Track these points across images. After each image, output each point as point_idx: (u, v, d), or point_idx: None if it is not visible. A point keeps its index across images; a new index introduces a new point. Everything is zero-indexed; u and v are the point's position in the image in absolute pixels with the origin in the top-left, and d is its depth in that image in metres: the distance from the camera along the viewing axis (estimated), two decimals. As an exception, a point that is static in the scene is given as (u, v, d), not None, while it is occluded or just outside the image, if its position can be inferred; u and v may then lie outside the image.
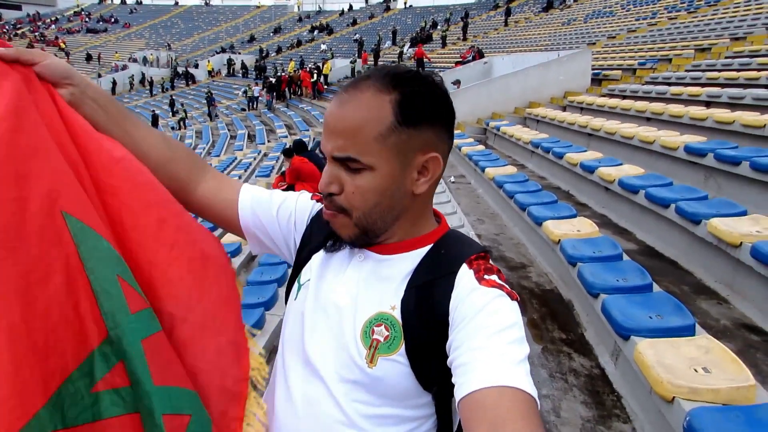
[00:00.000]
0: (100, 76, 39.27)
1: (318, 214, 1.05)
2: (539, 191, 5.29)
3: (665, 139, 5.64)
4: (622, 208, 5.02)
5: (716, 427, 1.79)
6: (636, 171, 5.08)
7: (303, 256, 1.03)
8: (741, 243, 3.15)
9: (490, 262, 0.90)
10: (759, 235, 3.16)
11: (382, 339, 0.84)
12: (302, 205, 1.07)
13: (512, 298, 0.82)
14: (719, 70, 8.81)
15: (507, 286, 0.84)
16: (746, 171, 4.34)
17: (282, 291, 4.64)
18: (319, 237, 1.02)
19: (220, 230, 7.89)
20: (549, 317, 3.65)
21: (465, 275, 0.85)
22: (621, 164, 5.42)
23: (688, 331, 2.46)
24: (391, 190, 0.85)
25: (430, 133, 0.85)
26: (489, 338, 0.76)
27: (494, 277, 0.84)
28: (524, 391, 0.70)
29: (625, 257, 3.50)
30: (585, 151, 6.46)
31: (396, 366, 0.83)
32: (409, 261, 0.89)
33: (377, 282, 0.89)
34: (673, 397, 2.03)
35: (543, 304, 3.85)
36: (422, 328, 0.83)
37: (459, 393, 0.73)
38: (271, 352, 3.83)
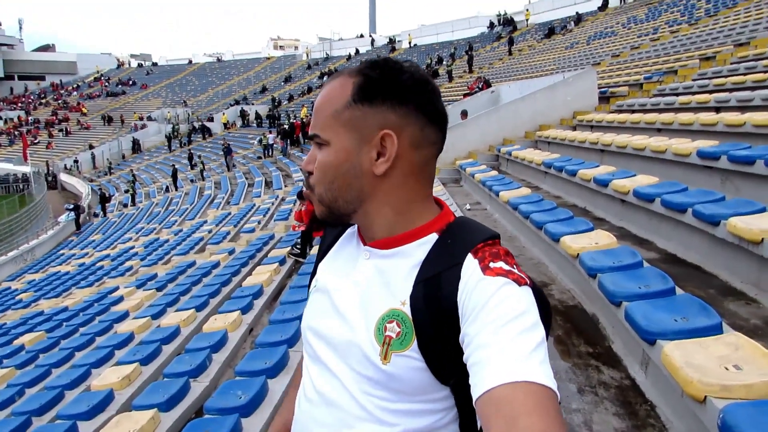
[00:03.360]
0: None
1: (326, 231, 1.11)
2: (554, 209, 5.26)
3: (677, 147, 5.61)
4: (640, 219, 4.96)
5: (752, 421, 1.72)
6: (650, 180, 5.04)
7: (315, 268, 1.08)
8: (762, 239, 3.08)
9: (499, 245, 0.88)
10: (780, 229, 3.09)
11: (394, 335, 0.84)
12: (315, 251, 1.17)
13: (520, 284, 0.80)
14: (726, 76, 8.79)
15: (515, 271, 0.82)
16: (761, 169, 4.28)
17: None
18: (326, 245, 1.07)
19: (244, 272, 7.96)
20: (574, 333, 3.58)
21: (470, 265, 0.83)
22: (635, 175, 5.38)
23: (715, 330, 2.39)
24: (346, 167, 0.88)
25: (390, 114, 0.86)
26: (496, 333, 0.74)
27: (500, 264, 0.82)
28: (538, 383, 0.68)
29: (646, 264, 3.44)
30: (598, 166, 6.44)
31: (410, 362, 0.83)
32: (415, 253, 0.89)
33: (385, 278, 0.89)
34: (705, 397, 1.97)
35: (567, 320, 3.78)
36: (432, 323, 0.83)
37: (474, 394, 0.72)
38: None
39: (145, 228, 18.17)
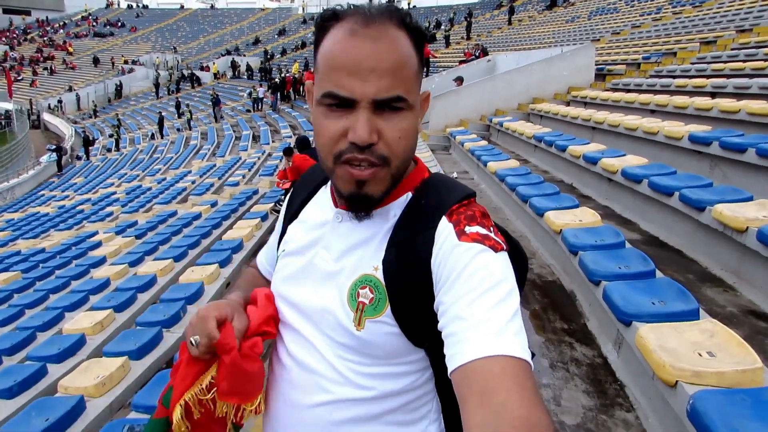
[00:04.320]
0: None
1: (298, 186, 1.05)
2: (541, 183, 5.21)
3: (669, 129, 5.55)
4: (626, 199, 4.94)
5: (721, 410, 1.72)
6: (639, 161, 4.99)
7: (282, 231, 1.03)
8: (747, 228, 3.06)
9: (475, 204, 0.86)
10: (765, 219, 3.07)
11: (367, 302, 0.82)
12: (282, 210, 1.08)
13: (497, 250, 0.77)
14: (725, 62, 8.69)
15: (492, 236, 0.79)
16: (752, 158, 4.25)
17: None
18: (296, 206, 1.01)
19: (225, 225, 7.86)
20: (551, 308, 3.58)
21: (445, 229, 0.80)
22: (624, 155, 5.33)
23: (691, 316, 2.38)
24: (417, 131, 0.83)
25: (422, 75, 0.84)
26: (472, 304, 0.72)
27: (476, 229, 0.79)
28: (513, 356, 0.67)
29: (628, 245, 3.42)
30: (588, 143, 6.37)
31: (383, 327, 0.82)
32: (388, 215, 0.86)
33: (358, 242, 0.86)
34: (676, 381, 1.96)
35: (545, 295, 3.78)
36: (406, 288, 0.81)
37: (449, 366, 0.71)
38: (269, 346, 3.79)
39: (128, 174, 17.91)
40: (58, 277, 6.97)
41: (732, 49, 9.61)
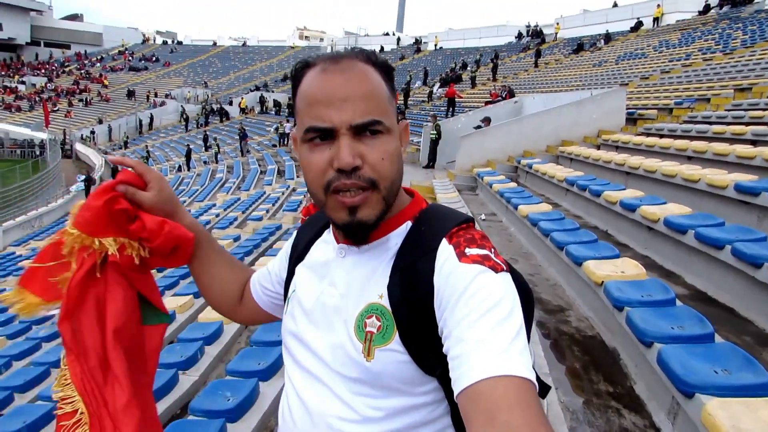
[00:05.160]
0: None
1: (301, 229, 1.08)
2: (577, 230, 5.00)
3: (712, 178, 5.32)
4: (668, 250, 4.69)
5: None
6: (682, 210, 4.75)
7: (289, 271, 1.04)
8: (813, 289, 2.82)
9: (474, 229, 0.87)
10: (834, 281, 2.82)
11: (375, 330, 0.83)
12: (288, 244, 1.10)
13: (497, 270, 0.78)
14: (763, 109, 8.47)
15: (492, 257, 0.80)
16: (807, 212, 4.00)
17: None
18: (302, 247, 1.03)
19: (247, 261, 7.75)
20: (592, 367, 3.32)
21: (444, 251, 0.81)
22: (665, 203, 5.10)
23: (763, 390, 2.13)
24: (400, 156, 0.85)
25: (395, 105, 0.88)
26: (474, 326, 0.72)
27: (475, 251, 0.80)
28: (517, 376, 0.67)
29: (679, 303, 3.18)
30: (624, 189, 6.16)
31: (393, 355, 0.82)
32: (389, 244, 0.88)
33: (362, 273, 0.88)
34: (757, 471, 1.71)
35: (585, 352, 3.52)
36: (411, 312, 0.81)
37: (455, 390, 0.71)
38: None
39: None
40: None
41: (768, 97, 9.39)
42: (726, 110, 9.53)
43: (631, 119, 11.57)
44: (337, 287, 0.90)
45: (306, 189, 9.18)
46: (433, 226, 0.86)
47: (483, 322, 0.72)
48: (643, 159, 7.38)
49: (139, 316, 1.00)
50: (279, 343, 3.94)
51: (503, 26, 43.97)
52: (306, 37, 73.69)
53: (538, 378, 0.87)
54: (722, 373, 2.29)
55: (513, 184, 8.40)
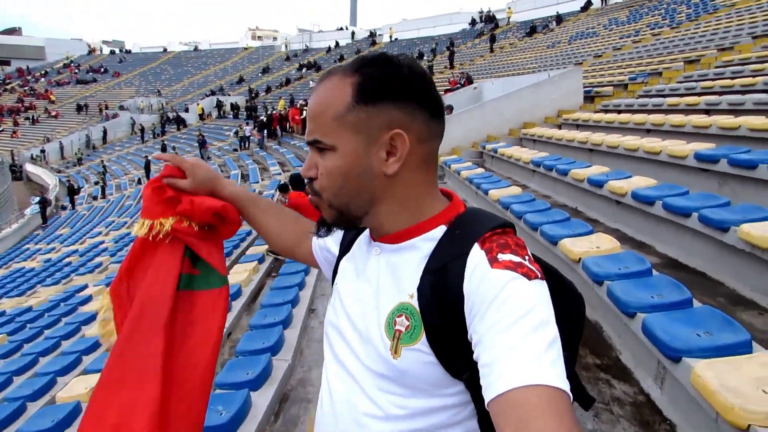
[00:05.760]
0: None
1: None
2: (549, 210, 5.09)
3: (672, 149, 5.49)
4: (637, 221, 4.82)
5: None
6: (648, 182, 4.89)
7: (336, 264, 1.08)
8: (780, 248, 2.94)
9: (512, 235, 0.85)
10: (798, 238, 2.95)
11: (403, 329, 0.84)
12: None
13: (530, 278, 0.76)
14: (713, 79, 8.77)
15: (525, 263, 0.78)
16: (764, 174, 4.17)
17: (287, 333, 4.36)
18: (347, 242, 1.08)
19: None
20: (577, 341, 3.39)
21: (476, 256, 0.80)
22: (630, 176, 5.24)
23: (744, 348, 2.22)
24: (356, 171, 0.86)
25: (395, 112, 0.85)
26: (505, 333, 0.71)
27: (509, 257, 0.78)
28: (549, 386, 0.66)
29: (654, 272, 3.28)
30: (590, 166, 6.30)
31: (419, 355, 0.82)
32: (423, 246, 0.88)
33: (394, 272, 0.89)
34: (749, 425, 1.79)
35: (568, 327, 3.60)
36: (440, 315, 0.81)
37: (485, 397, 0.71)
38: (282, 400, 3.56)
39: (116, 222, 17.55)
40: (47, 338, 6.58)
41: (716, 67, 9.72)
42: (678, 82, 9.83)
43: (589, 97, 11.82)
44: (371, 284, 0.92)
45: (273, 191, 9.03)
46: (467, 230, 0.86)
47: (514, 330, 0.71)
48: (604, 135, 7.55)
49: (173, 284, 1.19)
50: (266, 350, 3.91)
51: (457, 14, 44.27)
52: (259, 37, 72.64)
53: (582, 390, 0.91)
54: (704, 336, 2.38)
55: (480, 170, 8.49)
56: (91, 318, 6.84)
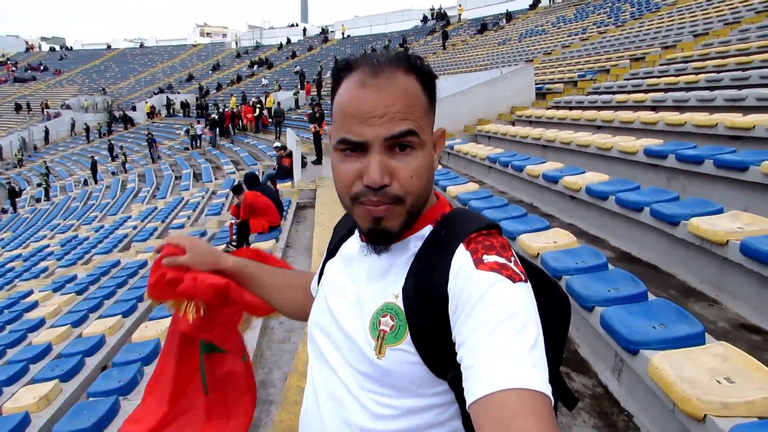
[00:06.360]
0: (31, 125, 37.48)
1: (336, 227, 1.11)
2: (506, 206, 5.16)
3: (623, 145, 5.66)
4: (591, 216, 4.95)
5: (763, 444, 1.61)
6: (601, 178, 5.03)
7: (322, 266, 1.08)
8: (728, 241, 3.06)
9: (497, 236, 0.85)
10: (744, 231, 3.08)
11: (388, 329, 0.84)
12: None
13: (515, 280, 0.76)
14: (658, 77, 9.10)
15: (510, 265, 0.78)
16: (710, 169, 4.34)
17: (246, 334, 4.28)
18: (332, 245, 1.06)
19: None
20: (537, 336, 3.45)
21: (461, 257, 0.80)
22: (584, 172, 5.38)
23: (698, 339, 2.30)
24: (432, 168, 0.88)
25: (432, 113, 0.89)
26: (488, 336, 0.72)
27: (494, 258, 0.79)
28: (532, 389, 0.67)
29: (610, 266, 3.36)
30: (544, 162, 6.43)
31: (403, 355, 0.82)
32: (409, 247, 0.88)
33: (381, 273, 0.89)
34: (705, 415, 1.85)
35: (528, 322, 3.66)
36: (424, 315, 0.81)
37: (467, 400, 0.71)
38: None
39: (61, 225, 16.84)
40: (-9, 346, 6.29)
41: (661, 65, 10.10)
42: (625, 80, 10.16)
43: (541, 94, 12.07)
44: (357, 284, 0.92)
45: (227, 191, 8.87)
46: (452, 231, 0.86)
47: (498, 332, 0.71)
48: (557, 132, 7.73)
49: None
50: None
51: (408, 10, 44.54)
52: (207, 33, 71.09)
53: (567, 390, 0.93)
54: (660, 328, 2.45)
55: (438, 166, 8.53)
56: (38, 324, 6.54)
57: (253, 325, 4.65)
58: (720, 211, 3.55)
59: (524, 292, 0.77)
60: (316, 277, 1.16)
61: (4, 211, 23.93)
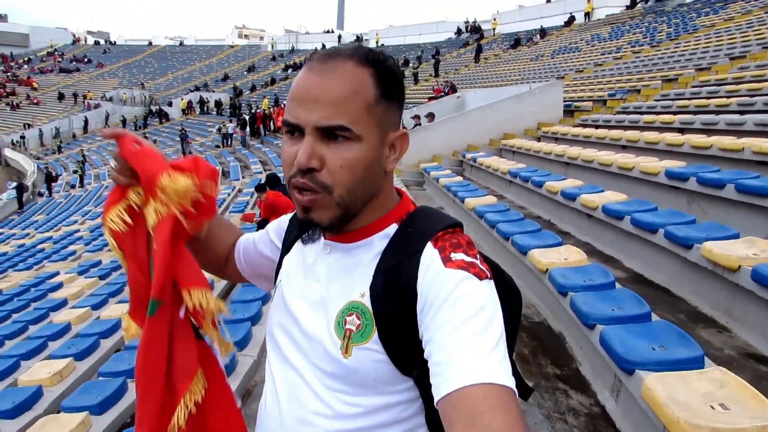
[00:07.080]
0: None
1: (292, 219, 1.08)
2: (521, 220, 5.15)
3: (645, 165, 5.59)
4: (607, 235, 4.90)
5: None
6: (619, 197, 4.98)
7: (279, 262, 1.05)
8: (740, 267, 3.01)
9: (461, 234, 0.86)
10: (757, 258, 3.02)
11: (354, 328, 0.84)
12: (276, 225, 1.11)
13: (481, 278, 0.78)
14: (688, 99, 8.96)
15: (477, 263, 0.80)
16: (731, 194, 4.26)
17: (255, 329, 4.36)
18: (291, 238, 1.04)
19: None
20: (540, 351, 3.44)
21: (430, 255, 0.81)
22: (603, 191, 5.33)
23: (696, 363, 2.27)
24: (373, 165, 0.84)
25: (396, 112, 0.87)
26: (455, 332, 0.73)
27: (461, 256, 0.80)
28: (498, 384, 0.68)
29: (618, 285, 3.33)
30: (564, 179, 6.39)
31: (370, 354, 0.82)
32: (374, 244, 0.88)
33: (345, 271, 0.89)
34: (693, 439, 1.83)
35: (533, 337, 3.65)
36: (392, 312, 0.82)
37: (435, 396, 0.72)
38: (244, 395, 3.53)
39: (92, 211, 17.31)
40: (14, 321, 6.51)
41: (693, 87, 9.93)
42: (655, 100, 10.03)
43: (569, 111, 11.98)
44: (320, 282, 0.90)
45: (252, 190, 9.01)
46: (419, 229, 0.86)
47: (465, 329, 0.72)
48: (581, 149, 7.67)
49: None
50: (246, 320, 3.87)
51: (443, 22, 44.59)
52: (245, 35, 72.35)
53: (520, 381, 0.90)
54: (659, 350, 2.42)
55: (459, 178, 8.55)
56: (61, 304, 6.77)
57: (261, 320, 4.67)
58: (736, 236, 3.49)
59: (490, 289, 0.78)
60: (256, 247, 1.12)
61: (40, 195, 24.68)
